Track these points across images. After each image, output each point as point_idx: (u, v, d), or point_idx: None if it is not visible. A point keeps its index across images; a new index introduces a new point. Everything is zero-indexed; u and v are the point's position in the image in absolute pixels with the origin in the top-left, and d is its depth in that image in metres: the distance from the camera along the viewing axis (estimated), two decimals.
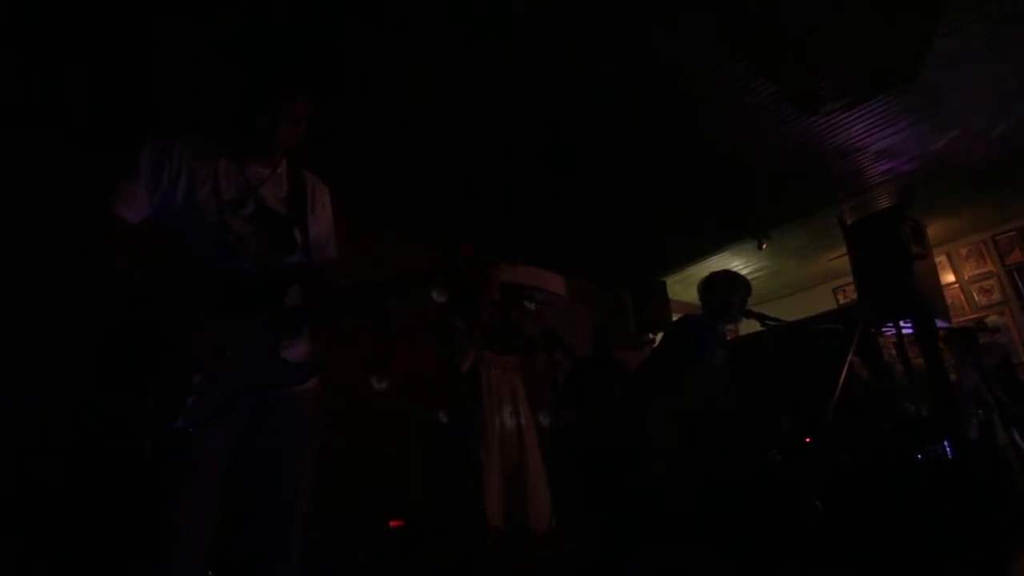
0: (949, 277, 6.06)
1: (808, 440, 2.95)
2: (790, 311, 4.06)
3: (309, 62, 1.51)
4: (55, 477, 2.30)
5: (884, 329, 3.23)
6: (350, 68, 2.77)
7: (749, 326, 3.47)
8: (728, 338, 3.34)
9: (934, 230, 5.42)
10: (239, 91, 1.39)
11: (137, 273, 1.29)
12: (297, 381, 1.39)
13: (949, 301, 5.17)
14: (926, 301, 2.83)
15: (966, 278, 6.08)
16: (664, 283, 6.09)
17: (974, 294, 6.01)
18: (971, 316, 5.88)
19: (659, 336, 5.62)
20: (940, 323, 3.20)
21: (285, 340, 1.37)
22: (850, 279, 5.24)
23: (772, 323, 3.11)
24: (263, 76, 1.37)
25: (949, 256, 6.15)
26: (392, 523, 2.79)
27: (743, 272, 5.90)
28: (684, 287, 6.17)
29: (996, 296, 5.88)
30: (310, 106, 1.42)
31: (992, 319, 5.68)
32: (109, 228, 1.30)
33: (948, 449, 2.98)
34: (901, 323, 3.02)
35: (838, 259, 5.86)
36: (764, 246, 5.32)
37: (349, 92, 2.92)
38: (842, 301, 6.72)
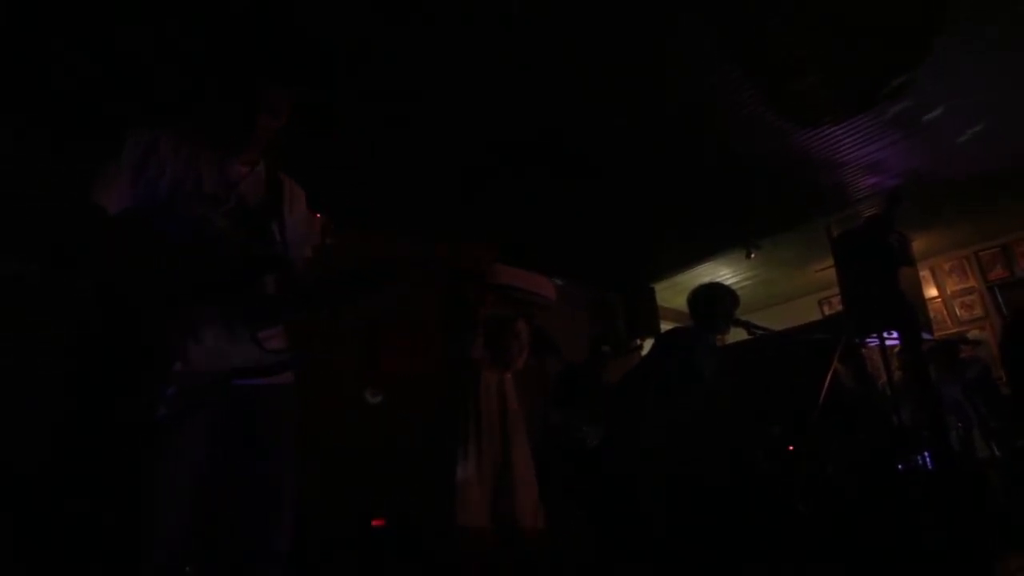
0: (932, 291, 6.16)
1: (792, 448, 2.98)
2: (776, 321, 4.10)
3: (283, 51, 1.50)
4: (38, 472, 2.24)
5: (868, 340, 3.27)
6: (346, 67, 2.76)
7: (737, 335, 3.51)
8: (718, 346, 3.37)
9: (918, 245, 5.49)
10: (216, 83, 1.43)
11: (111, 263, 1.28)
12: (274, 371, 1.38)
13: (932, 315, 5.24)
14: (912, 312, 2.86)
15: (948, 293, 6.17)
16: (653, 289, 6.13)
17: (956, 309, 6.10)
18: (953, 330, 5.96)
19: (647, 341, 5.66)
20: (923, 335, 3.24)
21: (262, 330, 1.36)
22: (835, 291, 5.31)
23: (759, 332, 3.15)
24: (237, 67, 1.39)
25: (933, 271, 6.24)
26: (374, 522, 2.77)
27: (731, 281, 5.96)
28: (673, 294, 6.21)
29: (977, 311, 5.97)
30: (287, 96, 1.42)
31: (973, 333, 5.77)
32: (83, 218, 1.28)
33: (928, 460, 3.02)
34: (885, 334, 3.06)
35: (824, 271, 5.93)
36: (753, 256, 5.37)
37: (346, 90, 2.90)
38: (827, 312, 6.79)
